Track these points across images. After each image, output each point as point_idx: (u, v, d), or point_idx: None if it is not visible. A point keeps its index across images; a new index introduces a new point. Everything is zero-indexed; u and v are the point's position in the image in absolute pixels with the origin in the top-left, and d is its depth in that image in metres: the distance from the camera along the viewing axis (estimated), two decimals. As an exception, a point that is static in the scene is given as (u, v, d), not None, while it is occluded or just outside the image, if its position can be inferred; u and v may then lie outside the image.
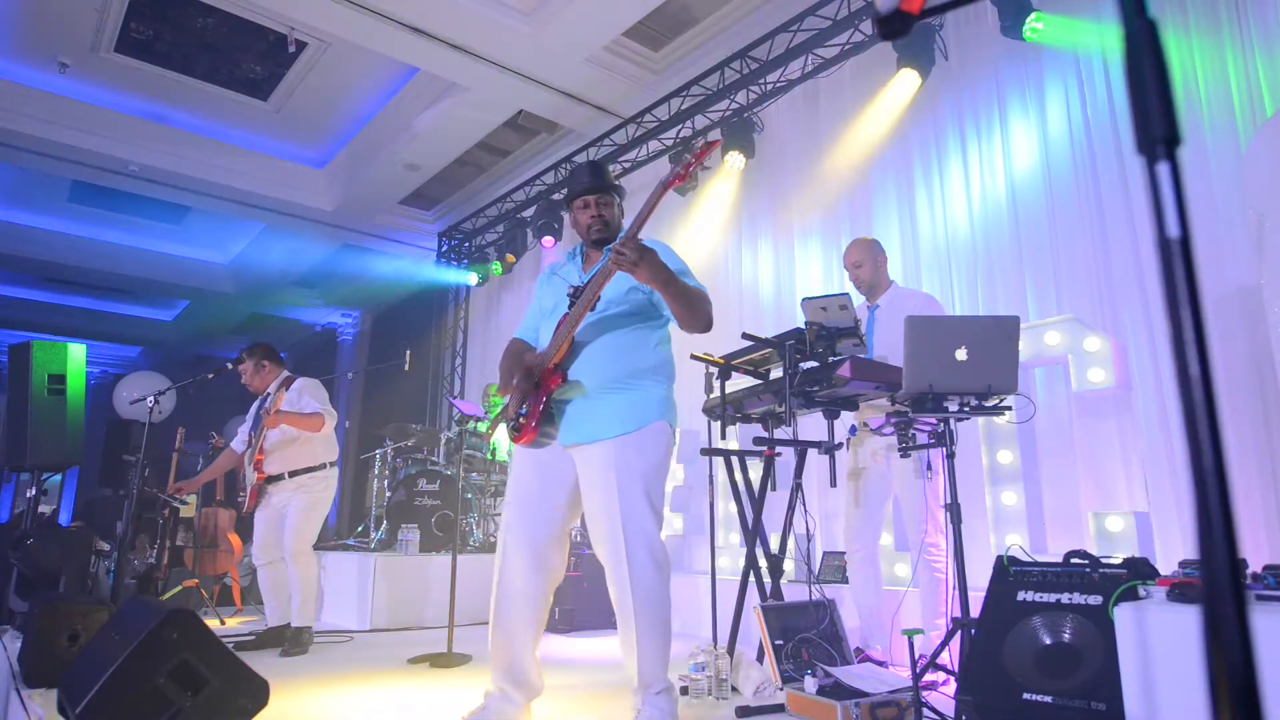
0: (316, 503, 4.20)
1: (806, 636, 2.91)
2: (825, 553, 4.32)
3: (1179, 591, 1.93)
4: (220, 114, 7.59)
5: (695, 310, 2.32)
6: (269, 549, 4.18)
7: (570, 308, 2.38)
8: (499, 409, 2.68)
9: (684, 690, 2.84)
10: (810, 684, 2.56)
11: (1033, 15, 4.18)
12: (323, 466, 4.25)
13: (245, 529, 7.57)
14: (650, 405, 2.36)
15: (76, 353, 5.19)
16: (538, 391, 2.36)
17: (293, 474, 4.17)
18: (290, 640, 4.00)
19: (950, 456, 2.62)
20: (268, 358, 4.41)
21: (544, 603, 2.37)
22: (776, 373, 3.24)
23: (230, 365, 4.36)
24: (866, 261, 3.54)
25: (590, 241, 2.53)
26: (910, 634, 2.25)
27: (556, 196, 7.32)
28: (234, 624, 5.16)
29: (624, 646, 2.32)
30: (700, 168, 2.35)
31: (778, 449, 3.17)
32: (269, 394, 4.33)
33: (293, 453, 4.20)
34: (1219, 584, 0.55)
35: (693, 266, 2.48)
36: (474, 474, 6.09)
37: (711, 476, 3.42)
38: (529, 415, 2.35)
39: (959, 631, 2.50)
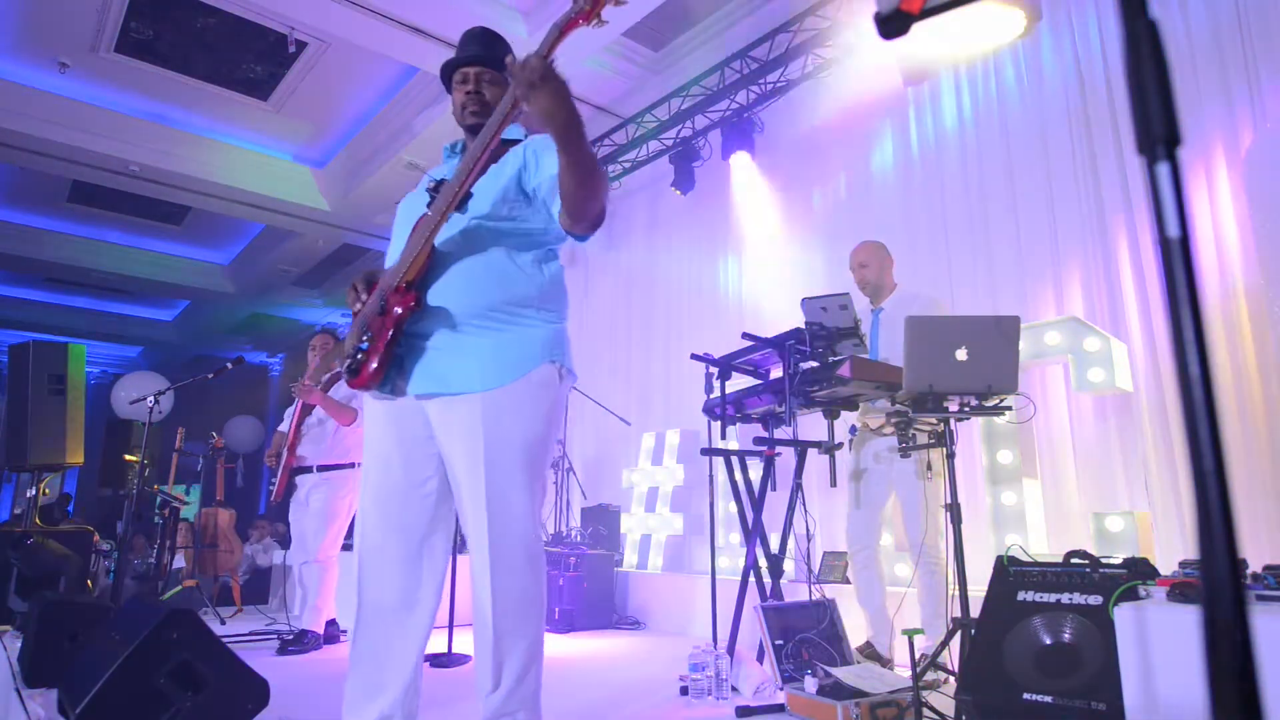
0: (339, 509, 4.14)
1: (806, 636, 2.91)
2: (825, 553, 4.31)
3: (1179, 591, 1.93)
4: (220, 114, 7.59)
5: (593, 185, 1.69)
6: (304, 549, 4.17)
7: (429, 206, 1.78)
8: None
9: (684, 690, 2.84)
10: (810, 684, 2.56)
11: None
12: (351, 465, 4.20)
13: (244, 529, 7.57)
14: (532, 346, 1.78)
15: (76, 353, 5.19)
16: (383, 318, 1.73)
17: (320, 468, 4.16)
18: (295, 638, 4.03)
19: (950, 456, 2.62)
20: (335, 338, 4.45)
21: (433, 602, 1.85)
22: (776, 373, 3.24)
23: (230, 365, 4.36)
24: (872, 263, 3.53)
25: (465, 127, 1.91)
26: (910, 634, 2.25)
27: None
28: (233, 624, 5.15)
29: (478, 655, 1.78)
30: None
31: (778, 449, 3.17)
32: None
33: (325, 444, 4.18)
34: (1219, 584, 0.55)
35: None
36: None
37: (711, 476, 3.42)
38: (370, 350, 1.73)
39: (959, 631, 2.50)
